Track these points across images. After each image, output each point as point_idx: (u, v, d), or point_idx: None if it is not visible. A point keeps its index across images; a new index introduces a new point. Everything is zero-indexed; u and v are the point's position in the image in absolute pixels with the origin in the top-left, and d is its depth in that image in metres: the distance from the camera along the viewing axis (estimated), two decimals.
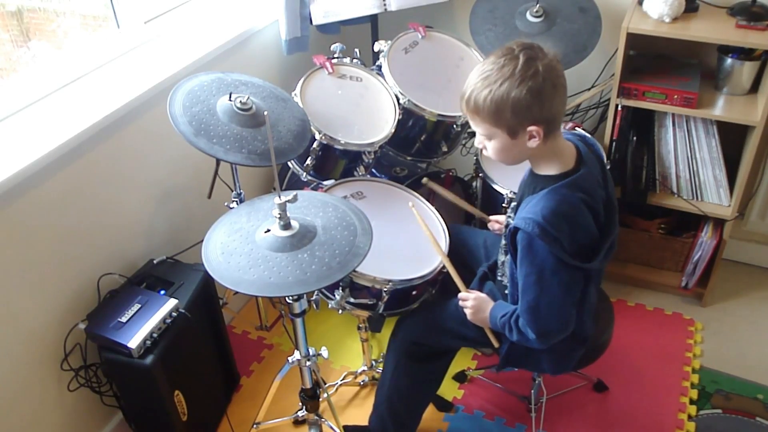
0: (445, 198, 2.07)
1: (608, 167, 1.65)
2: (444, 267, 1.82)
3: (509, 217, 1.68)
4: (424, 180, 2.09)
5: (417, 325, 1.86)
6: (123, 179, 1.91)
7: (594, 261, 1.49)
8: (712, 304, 2.54)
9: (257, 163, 1.67)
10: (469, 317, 1.71)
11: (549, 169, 1.51)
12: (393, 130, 2.02)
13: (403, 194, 2.06)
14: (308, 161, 1.98)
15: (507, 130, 1.44)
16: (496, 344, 1.72)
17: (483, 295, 1.72)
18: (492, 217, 1.96)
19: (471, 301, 1.71)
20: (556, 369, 1.74)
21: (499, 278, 1.76)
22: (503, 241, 1.71)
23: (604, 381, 2.21)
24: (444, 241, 1.91)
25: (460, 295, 1.75)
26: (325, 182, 2.00)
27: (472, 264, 1.91)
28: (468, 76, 1.47)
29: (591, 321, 1.66)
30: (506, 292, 1.68)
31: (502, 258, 1.73)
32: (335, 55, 2.13)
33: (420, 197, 2.04)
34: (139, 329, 1.71)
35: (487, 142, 1.51)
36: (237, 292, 1.44)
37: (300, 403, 1.90)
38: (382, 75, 2.11)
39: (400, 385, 1.87)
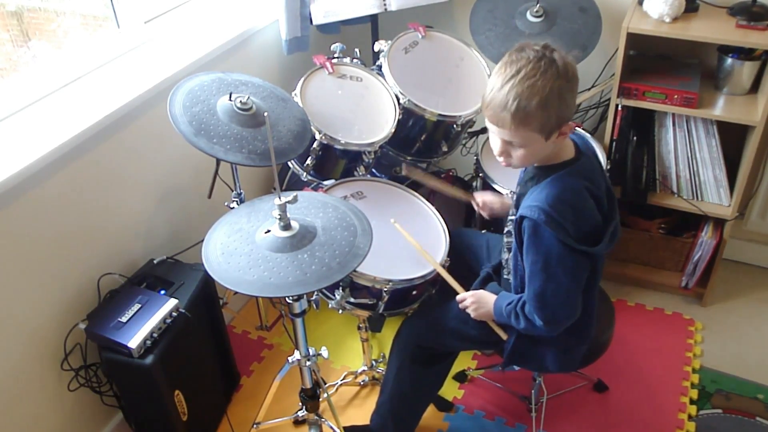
0: (428, 185, 2.05)
1: (608, 167, 1.65)
2: (444, 266, 1.82)
3: (512, 213, 1.68)
4: (405, 172, 1.98)
5: (420, 327, 1.86)
6: (123, 179, 1.91)
7: (599, 245, 1.50)
8: (712, 304, 2.54)
9: (257, 163, 1.67)
10: (473, 316, 1.72)
11: (552, 160, 1.52)
12: (393, 130, 2.02)
13: (403, 194, 2.06)
14: (308, 161, 1.98)
15: (547, 132, 1.41)
16: (504, 336, 1.72)
17: (480, 291, 1.73)
18: (476, 194, 1.95)
19: (469, 299, 1.71)
20: (560, 367, 1.74)
21: (505, 276, 1.76)
22: (506, 239, 1.71)
23: (604, 381, 2.21)
24: (445, 241, 1.91)
25: (457, 297, 1.76)
26: (325, 182, 2.00)
27: (475, 265, 1.92)
28: (497, 91, 1.39)
29: (594, 318, 1.67)
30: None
31: (505, 256, 1.73)
32: (335, 55, 2.13)
33: (420, 197, 2.04)
34: (139, 329, 1.71)
35: (516, 150, 1.46)
36: (237, 292, 1.44)
37: (300, 403, 1.90)
38: (382, 75, 2.11)
39: (403, 387, 1.87)
